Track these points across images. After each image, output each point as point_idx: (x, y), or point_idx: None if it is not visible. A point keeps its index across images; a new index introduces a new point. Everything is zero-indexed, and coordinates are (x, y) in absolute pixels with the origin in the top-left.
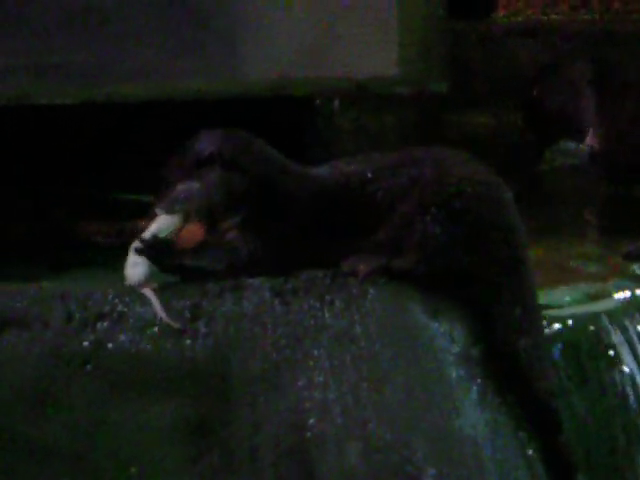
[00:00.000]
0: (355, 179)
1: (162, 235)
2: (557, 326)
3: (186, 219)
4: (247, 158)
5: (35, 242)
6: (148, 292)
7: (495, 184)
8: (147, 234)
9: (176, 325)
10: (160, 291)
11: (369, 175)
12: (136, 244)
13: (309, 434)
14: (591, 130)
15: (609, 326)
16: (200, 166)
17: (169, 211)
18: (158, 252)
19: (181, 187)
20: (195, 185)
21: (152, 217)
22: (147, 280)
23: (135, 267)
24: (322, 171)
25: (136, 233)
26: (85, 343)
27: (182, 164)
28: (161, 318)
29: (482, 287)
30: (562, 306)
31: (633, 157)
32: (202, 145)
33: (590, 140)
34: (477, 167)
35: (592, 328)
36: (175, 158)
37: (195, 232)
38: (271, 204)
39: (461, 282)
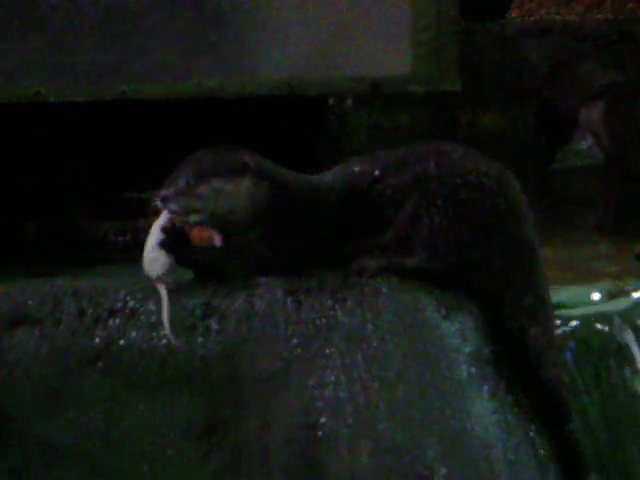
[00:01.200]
0: (363, 179)
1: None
2: (569, 326)
3: (199, 221)
4: (274, 169)
5: (49, 240)
6: (163, 291)
7: (501, 174)
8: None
9: (173, 340)
10: (174, 293)
11: (376, 174)
12: (153, 237)
13: (320, 433)
14: (603, 131)
15: (621, 326)
16: (234, 172)
17: (182, 208)
18: (175, 241)
19: (211, 185)
20: (225, 186)
21: (157, 211)
22: (165, 273)
23: (153, 260)
24: (331, 175)
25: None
26: (97, 340)
27: (214, 168)
28: (163, 324)
29: (492, 277)
30: (574, 306)
31: None
32: (230, 153)
33: (602, 141)
34: (482, 158)
35: (604, 328)
36: (202, 161)
37: (206, 236)
38: (291, 213)
39: (471, 273)
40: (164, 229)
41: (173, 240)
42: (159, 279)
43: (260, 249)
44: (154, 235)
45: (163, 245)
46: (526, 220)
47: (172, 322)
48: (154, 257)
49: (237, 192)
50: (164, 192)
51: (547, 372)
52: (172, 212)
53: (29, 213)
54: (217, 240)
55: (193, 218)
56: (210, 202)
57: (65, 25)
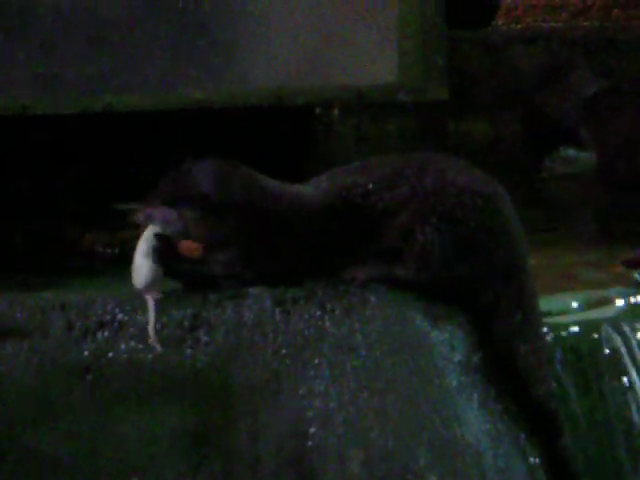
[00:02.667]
0: (356, 191)
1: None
2: (558, 333)
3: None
4: (232, 197)
5: (37, 251)
6: (150, 302)
7: (495, 192)
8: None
9: (158, 348)
10: (161, 303)
11: (370, 187)
12: (142, 247)
13: (310, 443)
14: (590, 139)
15: (610, 333)
16: (180, 203)
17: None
18: (163, 252)
19: (161, 211)
20: (173, 215)
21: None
22: (152, 283)
23: (140, 270)
24: (319, 185)
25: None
26: (85, 352)
27: (166, 193)
28: (149, 334)
29: (482, 294)
30: (563, 313)
31: (632, 167)
32: (185, 181)
33: (590, 149)
34: (477, 175)
35: (593, 335)
36: (162, 183)
37: (192, 248)
38: (267, 235)
39: (462, 290)
40: (152, 240)
41: (161, 252)
42: (146, 289)
43: (239, 262)
44: (142, 245)
45: (151, 256)
46: (517, 239)
47: (157, 331)
48: (141, 267)
49: (193, 220)
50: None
51: (537, 389)
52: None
53: (17, 224)
54: (199, 251)
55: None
56: (171, 225)
57: (52, 37)
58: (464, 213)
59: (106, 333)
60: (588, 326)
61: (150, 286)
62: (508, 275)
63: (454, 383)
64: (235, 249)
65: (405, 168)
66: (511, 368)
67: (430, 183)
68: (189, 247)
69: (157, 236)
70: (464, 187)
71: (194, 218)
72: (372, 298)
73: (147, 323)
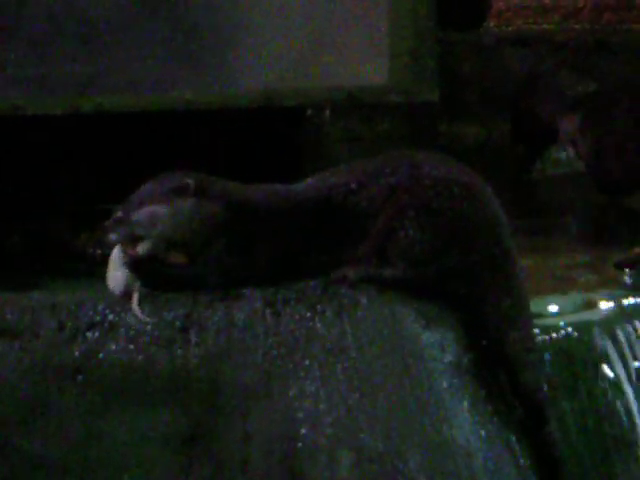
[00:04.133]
0: (339, 191)
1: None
2: (548, 335)
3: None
4: (225, 187)
5: (29, 253)
6: (134, 300)
7: (471, 180)
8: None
9: (145, 320)
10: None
11: (351, 186)
12: (115, 255)
13: (300, 444)
14: (580, 141)
15: (600, 335)
16: (171, 195)
17: (123, 237)
18: (144, 271)
19: (144, 210)
20: (162, 210)
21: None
22: (128, 288)
23: (115, 278)
24: (306, 186)
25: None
26: (76, 353)
27: (150, 193)
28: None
29: (469, 284)
30: (553, 315)
31: (623, 169)
32: (172, 177)
33: (580, 151)
34: (452, 166)
35: (583, 337)
36: (141, 189)
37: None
38: (251, 230)
39: (449, 281)
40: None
41: (138, 267)
42: (123, 294)
43: (226, 262)
44: (115, 253)
45: (125, 265)
46: (499, 225)
47: (141, 310)
48: (115, 275)
49: (175, 214)
50: (104, 224)
51: (526, 376)
52: (114, 242)
53: (8, 226)
54: (182, 259)
55: (142, 249)
56: (147, 227)
57: (43, 37)
58: (441, 203)
59: (97, 334)
60: (579, 328)
61: (127, 291)
62: (494, 262)
63: (445, 384)
64: (222, 242)
65: (383, 167)
66: (500, 355)
67: (406, 179)
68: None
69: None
70: (439, 177)
71: (189, 208)
72: (363, 299)
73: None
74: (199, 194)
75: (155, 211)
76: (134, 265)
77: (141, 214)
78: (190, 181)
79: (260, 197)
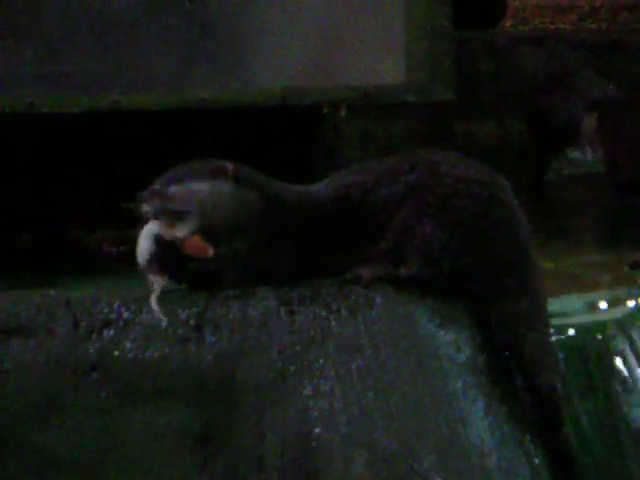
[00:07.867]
0: (357, 190)
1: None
2: (564, 334)
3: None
4: (261, 179)
5: (43, 251)
6: (156, 281)
7: (492, 180)
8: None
9: (162, 319)
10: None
11: (368, 185)
12: (148, 229)
13: (315, 443)
14: (597, 141)
15: (616, 335)
16: (210, 175)
17: (156, 209)
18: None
19: (182, 186)
20: (200, 187)
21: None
22: (151, 261)
23: (141, 250)
24: (324, 185)
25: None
26: (91, 351)
27: (189, 170)
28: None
29: (486, 283)
30: (569, 315)
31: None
32: (211, 162)
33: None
34: (472, 166)
35: (599, 337)
36: (179, 167)
37: (199, 247)
38: (281, 223)
39: (465, 280)
40: (155, 243)
41: (163, 255)
42: (147, 269)
43: (250, 259)
44: (148, 227)
45: (150, 237)
46: (519, 225)
47: (159, 304)
48: (142, 247)
49: (211, 194)
50: (139, 194)
51: (542, 378)
52: (147, 214)
53: (23, 223)
54: (208, 250)
55: (181, 232)
56: (184, 203)
57: (59, 35)
58: (461, 201)
59: (112, 331)
60: (594, 328)
61: (150, 265)
62: (512, 262)
63: (459, 384)
64: (253, 234)
65: (401, 165)
66: (516, 355)
67: (425, 177)
68: (193, 245)
69: (158, 242)
70: (459, 177)
71: (228, 191)
72: (378, 298)
73: (151, 299)
74: (237, 179)
75: (193, 187)
76: (166, 248)
77: (178, 189)
78: (229, 165)
79: (288, 195)
